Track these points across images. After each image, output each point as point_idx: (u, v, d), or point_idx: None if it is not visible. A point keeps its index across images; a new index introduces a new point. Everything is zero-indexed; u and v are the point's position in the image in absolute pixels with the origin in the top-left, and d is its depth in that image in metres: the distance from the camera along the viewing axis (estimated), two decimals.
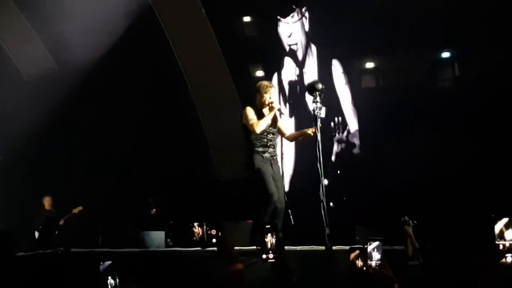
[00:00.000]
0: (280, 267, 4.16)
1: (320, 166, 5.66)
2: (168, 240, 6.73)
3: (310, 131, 6.70)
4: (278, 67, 11.10)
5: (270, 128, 7.17)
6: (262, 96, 7.14)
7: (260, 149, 7.15)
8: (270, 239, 4.37)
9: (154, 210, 9.37)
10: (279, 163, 7.31)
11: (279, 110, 7.18)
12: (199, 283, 5.15)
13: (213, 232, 5.76)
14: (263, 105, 7.15)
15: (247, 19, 11.78)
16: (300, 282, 5.03)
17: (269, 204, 6.83)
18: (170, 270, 5.67)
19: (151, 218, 9.23)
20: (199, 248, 6.08)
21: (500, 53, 8.87)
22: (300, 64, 10.94)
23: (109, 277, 3.49)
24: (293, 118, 10.85)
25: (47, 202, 11.27)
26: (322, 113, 5.91)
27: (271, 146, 7.20)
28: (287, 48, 11.10)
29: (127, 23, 10.55)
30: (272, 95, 7.17)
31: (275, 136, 7.26)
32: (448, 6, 9.03)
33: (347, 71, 10.39)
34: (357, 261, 4.37)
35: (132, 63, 10.81)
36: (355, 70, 10.60)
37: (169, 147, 10.64)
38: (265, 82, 7.31)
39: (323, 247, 5.45)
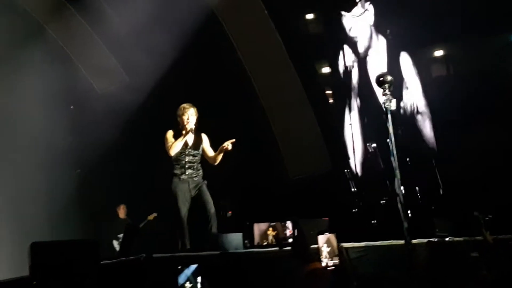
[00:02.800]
0: (341, 273, 4.12)
1: (394, 159, 5.58)
2: (246, 241, 6.78)
3: (226, 144, 7.40)
4: (344, 62, 11.01)
5: (189, 150, 7.55)
6: (181, 118, 7.54)
7: (178, 172, 7.51)
8: (325, 247, 4.33)
9: (230, 212, 9.45)
10: (203, 183, 7.54)
11: (190, 130, 7.44)
12: (277, 284, 5.16)
13: (290, 232, 5.78)
14: (183, 127, 7.53)
15: (309, 16, 11.75)
16: (380, 277, 4.99)
17: (182, 228, 7.27)
18: (249, 271, 5.72)
19: (228, 220, 9.31)
20: (277, 248, 6.11)
21: None
22: (366, 58, 10.82)
23: (187, 281, 3.56)
24: (356, 115, 10.75)
25: (122, 211, 11.58)
26: (393, 105, 5.82)
27: (191, 168, 7.52)
28: (353, 43, 11.00)
29: (191, 31, 10.70)
30: (189, 116, 7.53)
31: (196, 157, 7.61)
32: None
33: (416, 61, 10.19)
34: None
35: (199, 70, 10.95)
36: (424, 59, 10.39)
37: (240, 150, 10.71)
38: (183, 105, 7.63)
39: (402, 241, 5.36)
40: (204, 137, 7.85)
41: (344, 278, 4.17)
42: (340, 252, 4.90)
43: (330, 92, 11.49)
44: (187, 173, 7.57)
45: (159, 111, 11.45)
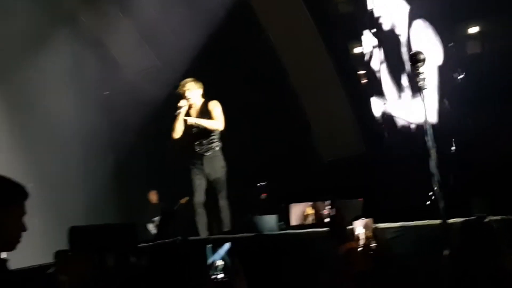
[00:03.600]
0: (379, 256, 4.09)
1: (429, 139, 5.50)
2: (281, 223, 6.80)
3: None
4: (377, 41, 10.88)
5: (194, 126, 7.32)
6: (183, 96, 7.43)
7: (191, 152, 7.33)
8: (361, 230, 4.30)
9: (264, 195, 9.47)
10: (220, 166, 7.38)
11: (184, 107, 7.28)
12: (313, 265, 5.17)
13: (326, 212, 5.77)
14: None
15: None
16: (417, 257, 4.95)
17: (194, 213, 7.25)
18: (284, 253, 5.73)
19: (262, 203, 9.34)
20: (314, 229, 6.12)
21: None
22: (399, 36, 10.67)
23: (218, 261, 3.59)
24: (395, 91, 10.62)
25: (153, 196, 11.71)
26: (427, 84, 5.73)
27: (200, 144, 7.33)
28: (385, 21, 10.85)
29: (221, 13, 10.70)
30: (186, 91, 7.37)
31: (204, 132, 7.39)
32: None
33: (449, 38, 10.03)
34: None
35: (230, 53, 10.95)
36: (458, 36, 10.21)
37: (273, 132, 10.72)
38: (181, 82, 7.48)
39: (438, 221, 5.32)
40: (213, 106, 7.56)
41: (381, 259, 4.14)
42: (376, 234, 4.88)
43: (363, 72, 11.38)
44: (196, 149, 7.39)
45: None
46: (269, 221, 6.72)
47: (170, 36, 11.41)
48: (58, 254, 2.94)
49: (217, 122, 7.45)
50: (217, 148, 7.46)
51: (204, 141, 7.36)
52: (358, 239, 4.23)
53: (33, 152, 11.70)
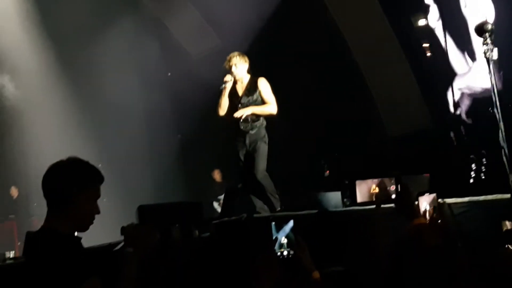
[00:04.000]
0: (445, 230, 3.99)
1: (498, 111, 5.35)
2: (345, 200, 6.76)
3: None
4: (441, 13, 10.59)
5: (241, 100, 7.07)
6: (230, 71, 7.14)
7: (235, 128, 7.08)
8: (427, 205, 4.21)
9: (328, 172, 9.44)
10: (261, 141, 7.08)
11: (229, 80, 7.01)
12: (379, 241, 5.13)
13: (392, 188, 5.68)
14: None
15: None
16: (486, 233, 4.84)
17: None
18: (349, 230, 5.70)
19: (326, 180, 9.32)
20: (380, 206, 6.05)
21: None
22: (464, 6, 10.36)
23: (283, 238, 3.60)
24: (461, 63, 10.34)
25: (217, 175, 11.84)
26: (494, 55, 5.55)
27: (245, 120, 7.03)
28: None
29: None
30: (232, 66, 7.10)
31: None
32: None
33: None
34: None
35: (290, 29, 10.89)
36: None
37: (337, 109, 10.63)
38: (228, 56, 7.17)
39: (508, 195, 5.18)
40: (261, 83, 7.27)
41: (448, 234, 4.06)
42: (442, 209, 4.79)
43: (427, 45, 11.12)
44: (241, 127, 7.13)
45: (253, 73, 11.52)
46: (334, 198, 6.69)
47: (231, 15, 11.43)
48: (124, 229, 3.03)
49: (270, 106, 7.26)
50: (262, 126, 7.24)
51: (249, 119, 7.13)
52: (424, 214, 4.16)
53: (100, 133, 12.02)
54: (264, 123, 7.31)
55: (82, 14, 11.36)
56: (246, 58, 7.31)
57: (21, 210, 11.26)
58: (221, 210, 10.09)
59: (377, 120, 10.70)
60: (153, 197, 11.22)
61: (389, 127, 10.71)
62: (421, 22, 11.15)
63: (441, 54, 10.61)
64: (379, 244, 4.76)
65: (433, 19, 10.74)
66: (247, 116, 7.06)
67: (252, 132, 7.12)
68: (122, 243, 3.00)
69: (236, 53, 7.25)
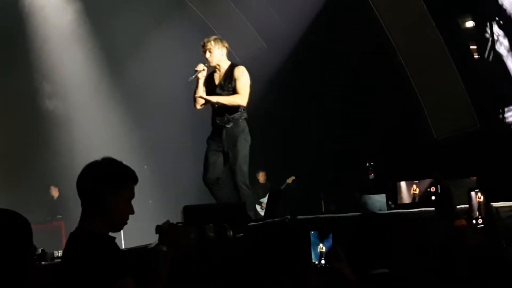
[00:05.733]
0: (489, 232, 3.93)
1: None
2: (390, 202, 6.71)
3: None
4: (491, 14, 10.39)
5: (217, 90, 6.28)
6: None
7: (211, 123, 6.35)
8: (475, 201, 4.16)
9: (372, 175, 9.38)
10: (240, 141, 6.33)
11: (203, 69, 6.23)
12: (423, 244, 5.08)
13: (433, 189, 5.61)
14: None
15: None
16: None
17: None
18: (394, 232, 5.66)
19: (370, 182, 9.26)
20: (422, 209, 6.00)
21: None
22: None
23: (321, 247, 3.58)
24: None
25: (261, 177, 11.87)
26: None
27: (219, 114, 6.29)
28: None
29: None
30: (206, 51, 6.27)
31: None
32: None
33: None
34: None
35: (335, 31, 10.86)
36: None
37: (382, 111, 10.56)
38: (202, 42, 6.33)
39: None
40: (238, 70, 6.38)
41: (493, 237, 4.01)
42: (490, 211, 4.73)
43: (475, 47, 10.94)
44: (217, 120, 6.39)
45: (296, 76, 11.54)
46: (379, 200, 6.65)
47: (275, 18, 11.46)
48: (159, 227, 3.05)
49: (239, 97, 6.29)
50: (241, 119, 6.40)
51: (226, 111, 6.31)
52: (471, 211, 4.12)
53: (147, 135, 12.18)
54: (245, 115, 6.48)
55: (131, 20, 11.56)
56: (225, 43, 6.44)
57: (66, 210, 11.48)
58: (265, 211, 10.11)
59: (423, 122, 10.57)
60: (199, 199, 11.32)
61: (436, 130, 10.57)
62: (468, 24, 10.99)
63: (493, 56, 10.40)
64: (423, 246, 4.73)
65: (484, 21, 10.56)
66: (223, 109, 6.24)
67: (228, 126, 6.33)
68: (157, 241, 3.04)
69: (212, 37, 6.47)
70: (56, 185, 12.11)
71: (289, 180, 11.50)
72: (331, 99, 10.96)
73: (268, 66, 11.56)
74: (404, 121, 10.55)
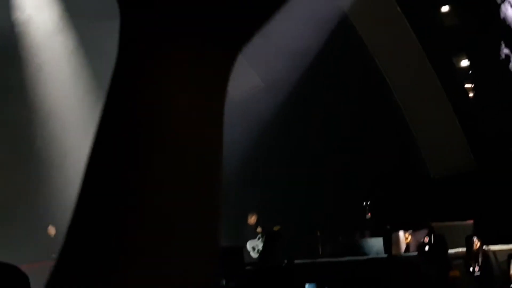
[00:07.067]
0: (486, 278, 3.92)
1: None
2: (386, 246, 6.69)
3: None
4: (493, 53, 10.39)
5: None
6: None
7: None
8: (473, 248, 4.15)
9: (369, 214, 9.35)
10: None
11: None
12: None
13: (426, 239, 5.60)
14: None
15: (445, 9, 11.30)
16: None
17: None
18: (391, 277, 5.64)
19: (367, 223, 9.22)
20: (414, 255, 5.98)
21: None
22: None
23: None
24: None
25: (253, 219, 11.72)
26: None
27: None
28: (499, 30, 10.34)
29: (325, 34, 10.70)
30: None
31: None
32: None
33: None
34: None
35: (335, 71, 10.90)
36: None
37: (378, 149, 10.58)
38: None
39: None
40: None
41: (489, 283, 4.01)
42: (487, 259, 4.73)
43: (470, 86, 11.02)
44: None
45: (294, 114, 11.56)
46: (376, 244, 6.64)
47: (272, 59, 11.51)
48: None
49: None
50: None
51: None
52: (467, 262, 4.11)
53: None
54: None
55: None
56: None
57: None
58: (261, 255, 10.00)
59: (419, 161, 10.60)
60: None
61: (432, 169, 10.59)
62: (464, 63, 11.07)
63: (490, 95, 10.42)
64: None
65: (479, 60, 10.60)
66: None
67: None
68: None
69: None
70: (53, 224, 11.90)
71: (275, 229, 11.03)
72: (328, 138, 11.00)
73: (268, 104, 11.61)
74: (401, 159, 10.57)
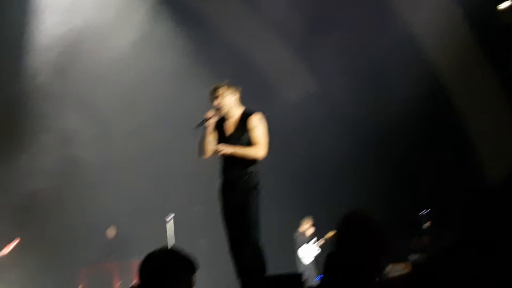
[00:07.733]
0: None
1: None
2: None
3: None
4: None
5: (229, 142, 5.73)
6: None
7: (219, 173, 5.83)
8: None
9: (429, 223, 9.13)
10: (251, 193, 5.63)
11: (205, 118, 5.74)
12: None
13: None
14: None
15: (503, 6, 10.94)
16: None
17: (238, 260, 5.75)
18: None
19: (426, 231, 9.05)
20: None
21: None
22: None
23: None
24: None
25: (306, 224, 11.63)
26: None
27: (230, 167, 5.70)
28: None
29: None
30: (216, 101, 5.77)
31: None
32: None
33: None
34: None
35: (386, 75, 10.71)
36: None
37: (434, 156, 10.40)
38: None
39: None
40: (254, 123, 5.72)
41: None
42: None
43: None
44: (227, 173, 5.78)
45: (348, 120, 11.41)
46: None
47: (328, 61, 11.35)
48: None
49: (256, 149, 5.65)
50: (254, 173, 5.75)
51: (237, 165, 5.71)
52: None
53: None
54: (258, 168, 5.80)
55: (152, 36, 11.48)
56: (235, 89, 5.89)
57: (118, 251, 11.43)
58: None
59: (478, 166, 10.37)
60: None
61: (492, 174, 10.36)
62: None
63: None
64: None
65: None
66: (234, 162, 5.68)
67: (242, 180, 5.69)
68: None
69: (224, 81, 5.94)
70: (114, 226, 11.93)
71: (329, 235, 10.41)
72: (387, 146, 10.83)
73: (317, 109, 11.53)
74: (459, 165, 10.36)
